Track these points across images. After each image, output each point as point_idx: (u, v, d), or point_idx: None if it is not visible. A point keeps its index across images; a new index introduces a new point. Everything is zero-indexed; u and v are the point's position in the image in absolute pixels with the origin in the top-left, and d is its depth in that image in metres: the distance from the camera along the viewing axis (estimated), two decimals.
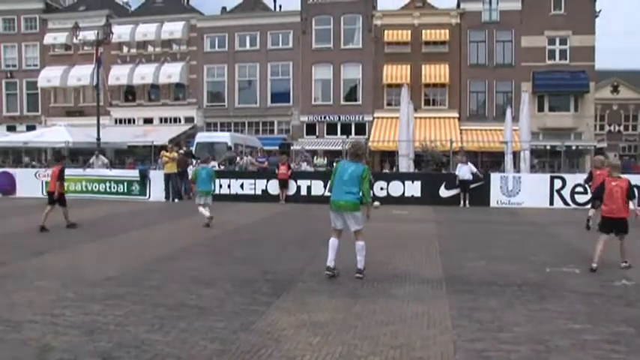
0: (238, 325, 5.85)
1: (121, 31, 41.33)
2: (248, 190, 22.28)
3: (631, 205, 9.32)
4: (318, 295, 7.18)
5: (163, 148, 24.89)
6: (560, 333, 5.71)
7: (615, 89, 56.75)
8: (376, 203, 17.53)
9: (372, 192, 18.43)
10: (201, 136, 32.58)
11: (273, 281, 7.92)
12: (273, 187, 22.15)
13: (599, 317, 6.29)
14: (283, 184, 21.91)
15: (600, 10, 39.53)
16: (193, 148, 29.28)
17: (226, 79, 42.82)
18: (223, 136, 31.72)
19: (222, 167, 25.35)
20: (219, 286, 7.64)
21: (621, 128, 56.59)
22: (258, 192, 22.21)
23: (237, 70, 42.58)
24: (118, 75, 43.34)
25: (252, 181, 22.51)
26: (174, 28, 42.78)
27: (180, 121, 43.41)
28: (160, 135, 36.22)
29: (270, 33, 41.88)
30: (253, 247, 11.02)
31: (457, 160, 21.72)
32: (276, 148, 34.38)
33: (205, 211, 14.32)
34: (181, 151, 24.66)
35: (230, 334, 5.60)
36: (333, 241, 8.51)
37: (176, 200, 22.25)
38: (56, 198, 13.92)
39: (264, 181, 22.41)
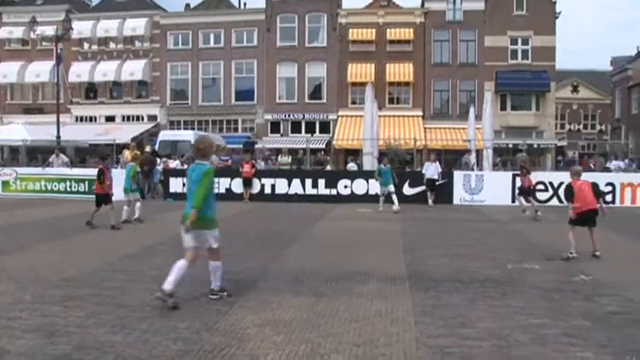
0: (201, 325, 5.81)
1: (81, 27, 40.56)
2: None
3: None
4: (282, 293, 7.16)
5: (126, 146, 24.53)
6: (521, 328, 5.80)
7: (575, 89, 57.90)
8: (395, 207, 18.03)
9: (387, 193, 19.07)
10: (165, 135, 32.26)
11: (235, 280, 7.86)
12: (237, 185, 22.05)
13: (558, 312, 6.42)
14: (247, 183, 21.83)
15: (560, 12, 40.31)
16: (157, 147, 28.98)
17: (190, 77, 42.38)
18: (187, 135, 31.43)
19: (185, 166, 25.12)
20: (182, 285, 7.53)
21: (581, 127, 57.77)
22: (222, 191, 22.02)
23: (201, 68, 42.19)
24: (79, 72, 42.53)
25: (216, 179, 22.23)
26: (136, 25, 42.16)
27: (143, 119, 42.83)
28: (123, 133, 35.65)
29: (235, 31, 41.60)
30: None
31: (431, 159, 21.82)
32: (241, 146, 34.18)
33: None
34: (147, 150, 24.39)
35: (193, 334, 5.55)
36: (181, 264, 6.71)
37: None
38: (97, 198, 14.04)
39: (228, 179, 22.29)
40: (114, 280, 7.85)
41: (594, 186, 10.23)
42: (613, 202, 21.05)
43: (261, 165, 27.14)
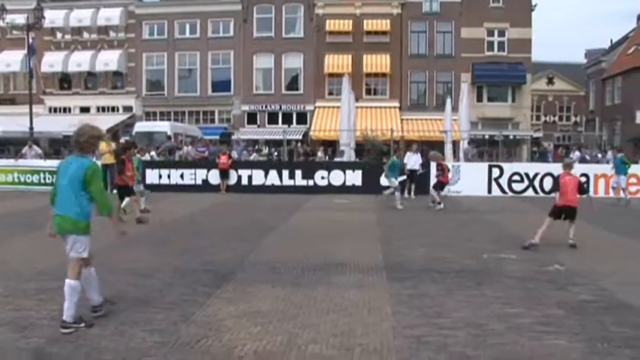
0: (178, 317, 5.78)
1: (53, 16, 39.80)
2: (188, 181, 22.02)
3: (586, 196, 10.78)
4: (259, 284, 7.15)
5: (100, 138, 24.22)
6: (497, 317, 5.86)
7: (550, 81, 58.48)
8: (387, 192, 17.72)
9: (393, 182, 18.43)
10: (140, 126, 31.97)
11: (213, 271, 7.85)
12: (214, 177, 21.95)
13: (532, 301, 6.49)
14: (224, 174, 21.74)
15: (536, 5, 40.65)
16: (132, 138, 28.71)
17: (166, 68, 41.94)
18: (163, 126, 31.23)
19: (161, 157, 24.98)
20: (159, 277, 7.53)
21: (556, 119, 58.39)
22: (199, 182, 21.98)
23: (177, 59, 41.79)
24: (52, 62, 41.81)
25: (193, 171, 22.26)
26: (111, 15, 41.55)
27: (118, 110, 42.28)
28: (98, 124, 34.60)
29: (211, 21, 41.25)
30: (193, 238, 10.89)
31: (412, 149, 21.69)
32: (217, 137, 34.04)
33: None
34: (122, 142, 24.10)
35: (169, 325, 5.52)
36: (85, 274, 5.70)
37: (114, 191, 21.72)
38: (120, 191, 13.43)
39: (205, 171, 22.20)
40: None
41: (580, 184, 10.56)
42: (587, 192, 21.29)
43: (254, 155, 27.11)
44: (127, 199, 13.57)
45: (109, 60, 41.50)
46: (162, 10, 42.13)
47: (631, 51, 48.51)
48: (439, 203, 17.03)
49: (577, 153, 30.66)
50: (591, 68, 56.18)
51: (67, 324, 5.34)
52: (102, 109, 42.46)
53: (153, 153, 25.40)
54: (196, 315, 5.85)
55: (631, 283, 7.42)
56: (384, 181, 21.38)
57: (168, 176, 22.08)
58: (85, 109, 42.41)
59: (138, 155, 15.63)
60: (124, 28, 42.23)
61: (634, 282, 7.47)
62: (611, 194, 20.57)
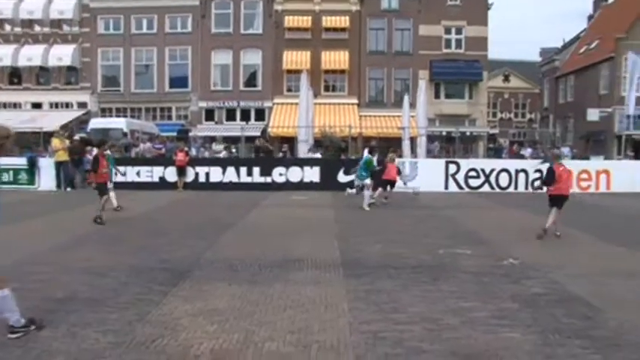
0: (133, 316, 5.70)
1: (1, 7, 38.73)
2: (145, 178, 21.71)
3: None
4: (216, 282, 7.10)
5: (53, 134, 23.72)
6: (452, 312, 5.95)
7: (506, 78, 59.51)
8: (351, 191, 17.28)
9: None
10: (96, 122, 31.33)
11: (169, 270, 7.77)
12: (171, 174, 21.69)
13: (487, 295, 6.61)
14: (181, 171, 21.51)
15: (492, 3, 41.24)
16: (87, 135, 28.16)
17: (122, 63, 41.17)
18: (119, 122, 30.67)
19: (117, 154, 24.55)
20: (114, 276, 7.41)
21: (512, 116, 59.44)
22: (156, 179, 21.70)
23: (133, 54, 41.07)
24: (1, 55, 40.57)
25: (150, 168, 21.95)
26: (64, 8, 40.45)
27: (72, 107, 41.25)
28: (51, 121, 34.47)
29: (169, 16, 40.65)
30: (150, 236, 10.75)
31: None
32: (175, 134, 33.64)
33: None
34: (76, 138, 23.68)
35: (124, 325, 5.44)
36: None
37: (69, 189, 21.33)
38: (94, 188, 13.04)
39: (162, 168, 21.91)
40: (41, 273, 7.58)
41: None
42: (541, 187, 21.74)
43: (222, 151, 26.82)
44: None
45: (62, 54, 40.48)
46: (117, 4, 41.16)
47: (582, 50, 49.71)
48: (385, 197, 17.57)
49: (529, 149, 31.62)
50: (545, 66, 57.40)
51: (14, 329, 5.14)
52: (55, 105, 41.36)
53: (108, 150, 24.95)
54: (152, 314, 5.79)
55: (581, 275, 7.61)
56: (342, 177, 21.52)
57: (124, 174, 21.69)
58: (36, 105, 41.25)
59: (108, 152, 15.19)
60: (77, 22, 41.25)
61: (584, 274, 7.66)
62: None
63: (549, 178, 11.48)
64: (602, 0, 53.47)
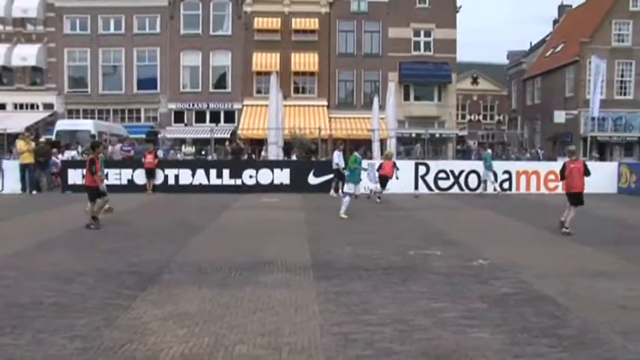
0: (101, 321, 5.61)
1: None
2: (113, 180, 21.34)
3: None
4: (185, 286, 7.04)
5: (18, 136, 23.26)
6: (422, 312, 5.98)
7: (475, 81, 60.16)
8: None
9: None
10: (62, 124, 30.87)
11: (138, 274, 7.67)
12: (140, 176, 21.46)
13: (457, 295, 6.66)
14: (150, 174, 21.30)
15: (461, 6, 41.69)
16: (53, 137, 27.74)
17: (89, 64, 40.55)
18: (86, 124, 30.27)
19: (84, 157, 24.21)
20: (81, 281, 7.29)
21: (480, 117, 60.10)
22: (124, 182, 21.41)
23: (100, 55, 40.50)
24: None
25: (118, 170, 21.65)
26: (28, 6, 39.54)
27: (38, 108, 40.46)
28: (15, 122, 33.73)
29: (137, 17, 40.24)
30: (118, 239, 10.60)
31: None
32: (143, 136, 33.31)
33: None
34: (42, 140, 23.28)
35: (92, 330, 5.35)
36: None
37: (34, 192, 20.96)
38: (89, 192, 12.50)
39: (130, 170, 21.65)
40: (5, 278, 7.42)
41: (585, 168, 11.72)
42: (510, 189, 22.12)
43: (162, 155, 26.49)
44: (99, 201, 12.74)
45: (26, 54, 39.63)
46: (84, 3, 40.44)
47: (548, 54, 50.54)
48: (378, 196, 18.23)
49: (488, 150, 32.10)
50: (513, 69, 58.20)
51: None
52: (20, 107, 40.45)
53: (74, 152, 24.63)
54: (120, 319, 5.70)
55: (548, 275, 7.72)
56: (312, 179, 21.52)
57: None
58: (0, 106, 40.44)
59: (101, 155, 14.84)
60: (42, 22, 40.44)
61: (551, 274, 7.77)
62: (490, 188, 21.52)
63: (561, 174, 12.07)
64: (566, 5, 54.48)
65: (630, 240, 10.95)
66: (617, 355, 4.83)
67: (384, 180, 18.51)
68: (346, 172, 15.93)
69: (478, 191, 21.44)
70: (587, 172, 11.67)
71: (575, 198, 11.71)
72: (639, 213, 15.57)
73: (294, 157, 24.74)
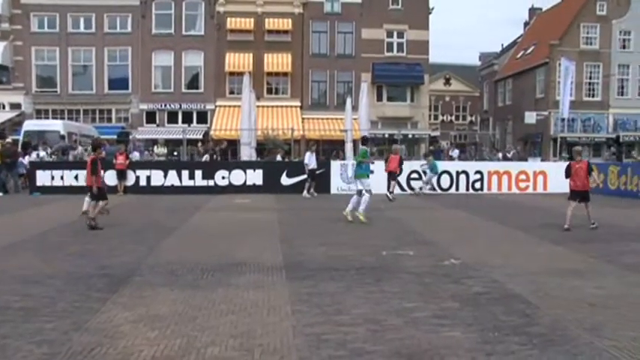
0: (70, 325, 5.50)
1: None
2: (83, 182, 21.05)
3: (591, 178, 12.71)
4: (157, 288, 6.96)
5: None
6: (395, 312, 5.98)
7: (447, 82, 60.70)
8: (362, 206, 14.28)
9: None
10: (30, 125, 30.36)
11: (109, 276, 7.56)
12: (111, 177, 21.19)
13: (429, 295, 6.68)
14: (121, 175, 21.08)
15: (433, 8, 42.08)
16: (21, 137, 27.28)
17: (58, 63, 39.96)
18: (55, 125, 29.82)
19: (54, 157, 23.89)
20: (50, 284, 7.16)
21: (453, 118, 60.67)
22: None
23: (70, 54, 39.96)
24: None
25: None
26: None
27: (4, 108, 39.67)
28: None
29: (107, 15, 39.78)
30: (88, 242, 10.46)
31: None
32: (115, 137, 32.95)
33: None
34: (9, 141, 22.89)
35: (60, 335, 5.24)
36: None
37: (1, 194, 20.60)
38: (95, 193, 12.33)
39: (101, 171, 21.33)
40: None
41: (588, 167, 12.53)
42: (481, 188, 22.33)
43: (136, 156, 26.28)
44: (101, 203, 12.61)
45: None
46: (52, 1, 39.82)
47: (519, 55, 51.20)
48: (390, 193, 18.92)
49: (456, 151, 32.79)
50: (485, 70, 58.85)
51: None
52: None
53: (43, 153, 24.25)
54: (90, 322, 5.60)
55: (519, 274, 7.79)
56: (285, 180, 21.49)
57: (62, 177, 21.14)
58: None
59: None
60: (8, 19, 39.60)
61: (522, 273, 7.85)
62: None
63: (566, 173, 12.73)
64: (537, 8, 55.27)
65: (599, 238, 11.11)
66: (585, 351, 4.90)
67: (390, 175, 19.03)
68: (353, 167, 14.85)
69: (416, 191, 21.63)
70: (590, 170, 12.58)
71: (582, 196, 12.51)
72: (608, 212, 15.80)
73: (278, 158, 24.68)
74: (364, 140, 15.10)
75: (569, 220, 12.11)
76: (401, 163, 20.17)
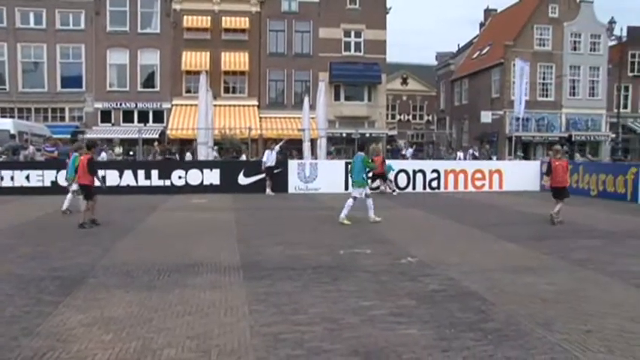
0: (19, 330, 5.35)
1: None
2: (35, 182, 20.66)
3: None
4: (112, 289, 6.84)
5: None
6: (352, 311, 6.00)
7: (405, 81, 61.23)
8: (372, 216, 13.50)
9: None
10: None
11: (61, 278, 7.40)
12: (64, 178, 20.73)
13: (386, 293, 6.72)
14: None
15: (391, 8, 42.38)
16: None
17: (7, 60, 38.78)
18: (4, 123, 28.96)
19: (3, 157, 23.27)
20: None
21: (410, 117, 61.20)
22: (47, 184, 20.69)
23: (19, 50, 38.86)
24: None
25: (40, 172, 20.89)
26: None
27: None
28: None
29: (59, 11, 38.82)
30: (40, 244, 10.20)
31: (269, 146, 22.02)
32: (68, 136, 32.26)
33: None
34: None
35: (9, 340, 5.09)
36: None
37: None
38: (88, 192, 12.59)
39: (54, 172, 20.89)
40: None
41: (568, 164, 13.63)
42: (438, 187, 22.59)
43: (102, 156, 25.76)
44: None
45: None
46: None
47: (475, 56, 52.01)
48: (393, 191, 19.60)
49: (410, 150, 33.31)
50: (441, 70, 59.60)
51: None
52: None
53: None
54: (42, 327, 5.46)
55: (475, 271, 7.91)
56: (242, 180, 21.39)
57: (12, 178, 20.62)
58: None
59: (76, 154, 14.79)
60: None
61: (477, 270, 7.97)
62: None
63: (547, 171, 13.38)
64: (492, 9, 56.21)
65: (552, 236, 11.36)
66: (537, 345, 5.01)
67: (376, 176, 19.34)
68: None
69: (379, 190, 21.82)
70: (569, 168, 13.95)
71: (561, 192, 13.13)
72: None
73: (243, 157, 24.63)
74: (362, 147, 14.93)
75: (559, 215, 12.88)
76: (383, 162, 20.41)
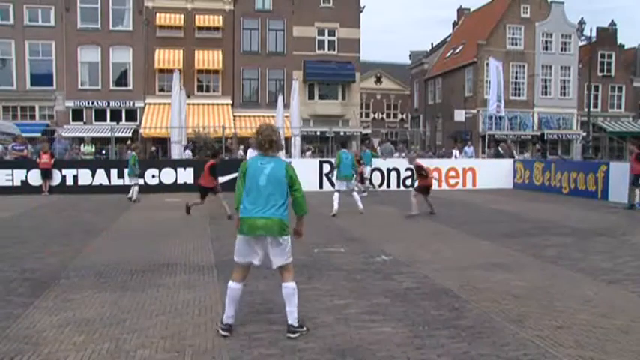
0: None
1: None
2: (4, 182, 20.31)
3: None
4: (84, 290, 6.76)
5: None
6: (326, 309, 6.02)
7: (379, 80, 61.53)
8: (361, 207, 14.23)
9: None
10: None
11: (32, 279, 7.29)
12: (35, 177, 20.45)
13: (360, 291, 6.75)
14: (46, 174, 20.34)
15: (364, 6, 42.52)
16: None
17: None
18: None
19: None
20: None
21: (384, 116, 61.51)
22: (17, 183, 20.37)
23: None
24: None
25: (10, 171, 20.55)
26: None
27: None
28: None
29: (28, 7, 38.10)
30: (10, 244, 10.03)
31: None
32: (39, 135, 31.81)
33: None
34: None
35: None
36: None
37: None
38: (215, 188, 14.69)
39: (24, 171, 20.58)
40: None
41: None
42: (413, 185, 22.67)
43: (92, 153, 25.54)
44: None
45: None
46: None
47: (448, 55, 52.41)
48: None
49: (367, 150, 33.53)
50: (415, 69, 59.91)
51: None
52: None
53: None
54: (11, 329, 5.37)
55: (448, 268, 7.98)
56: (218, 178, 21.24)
57: None
58: None
59: (134, 153, 18.77)
60: None
61: (450, 268, 8.03)
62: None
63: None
64: (465, 8, 56.71)
65: (524, 233, 11.49)
66: (510, 341, 5.07)
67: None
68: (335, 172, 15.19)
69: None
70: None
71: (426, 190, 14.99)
72: (532, 207, 16.38)
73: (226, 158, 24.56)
74: (344, 144, 16.36)
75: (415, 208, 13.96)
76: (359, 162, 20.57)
